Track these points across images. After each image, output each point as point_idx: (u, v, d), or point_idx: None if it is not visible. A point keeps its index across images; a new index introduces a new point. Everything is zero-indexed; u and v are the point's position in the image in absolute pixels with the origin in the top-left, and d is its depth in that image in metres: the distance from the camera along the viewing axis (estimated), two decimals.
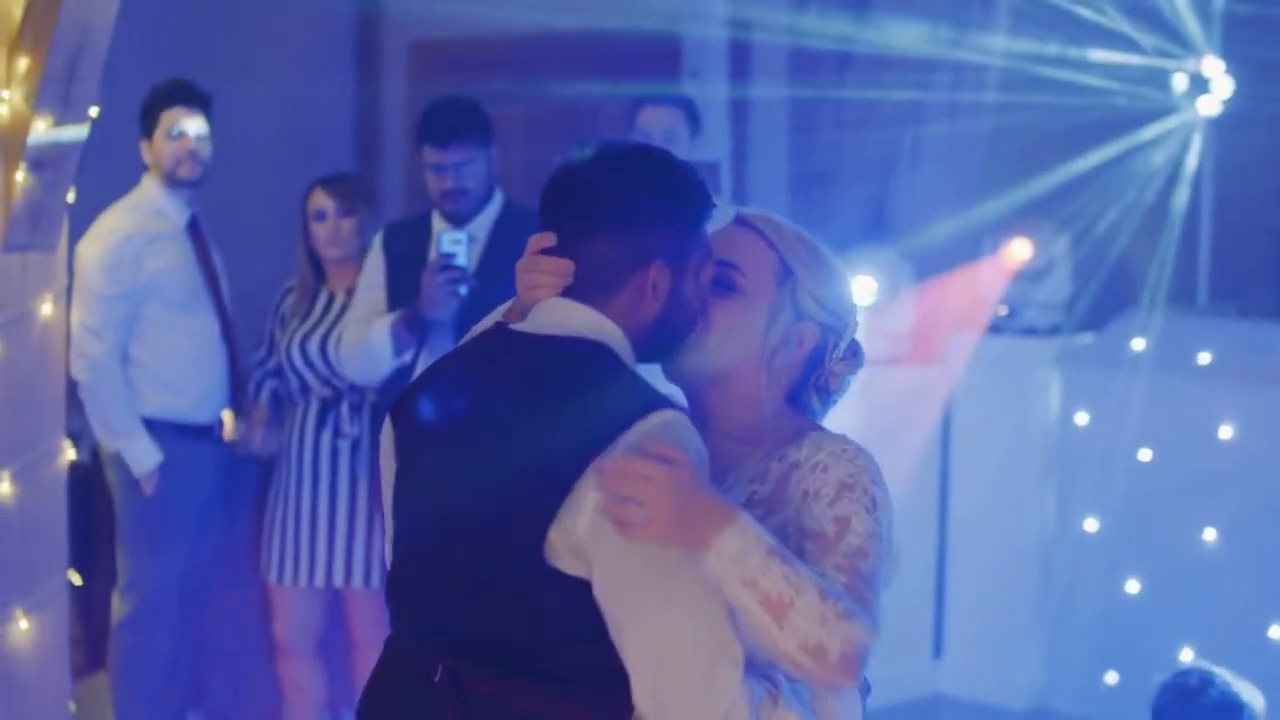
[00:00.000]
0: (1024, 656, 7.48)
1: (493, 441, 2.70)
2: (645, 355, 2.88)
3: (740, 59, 8.21)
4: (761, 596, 2.62)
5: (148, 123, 6.32)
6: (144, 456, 6.19)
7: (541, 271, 2.84)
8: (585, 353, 2.74)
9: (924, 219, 7.69)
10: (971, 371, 7.54)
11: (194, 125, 6.31)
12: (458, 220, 5.84)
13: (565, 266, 2.82)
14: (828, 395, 3.08)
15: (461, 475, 2.72)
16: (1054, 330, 7.54)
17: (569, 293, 2.83)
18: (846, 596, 2.68)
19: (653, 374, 2.89)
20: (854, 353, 3.07)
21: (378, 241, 6.04)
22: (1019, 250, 7.42)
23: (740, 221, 3.02)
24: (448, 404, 2.81)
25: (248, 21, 8.47)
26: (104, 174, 6.42)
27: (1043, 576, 7.41)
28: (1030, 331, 7.53)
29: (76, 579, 5.97)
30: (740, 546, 2.62)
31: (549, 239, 2.85)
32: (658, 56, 8.17)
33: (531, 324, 2.84)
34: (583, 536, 2.59)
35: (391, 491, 2.91)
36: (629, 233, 2.80)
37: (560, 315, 2.81)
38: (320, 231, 6.38)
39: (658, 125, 6.47)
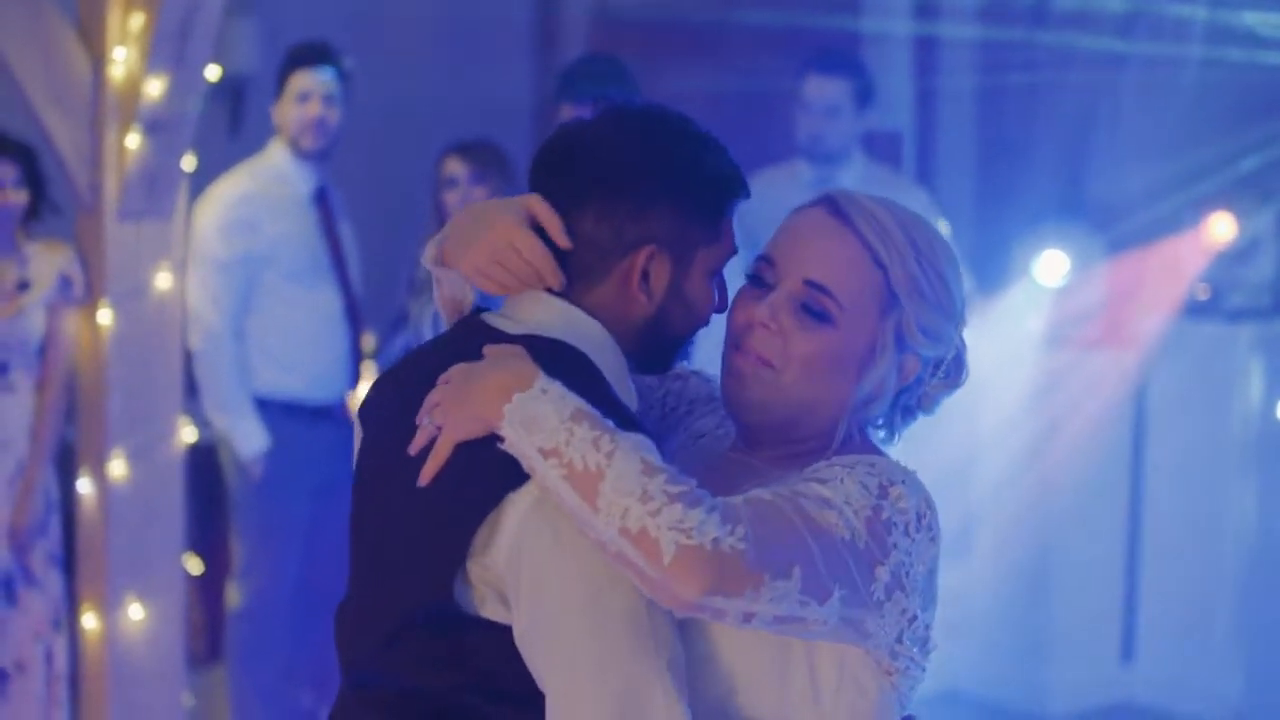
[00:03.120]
0: (1222, 663, 7.09)
1: (420, 459, 2.32)
2: (642, 362, 2.48)
3: (928, 11, 7.78)
4: (567, 469, 2.18)
5: (278, 85, 6.02)
6: (250, 439, 5.92)
7: (513, 249, 2.40)
8: (547, 359, 2.31)
9: (1119, 191, 7.22)
10: (1167, 357, 7.11)
11: (320, 89, 5.99)
12: None
13: (541, 259, 2.39)
14: (913, 414, 2.60)
15: (391, 496, 2.37)
16: (1257, 313, 7.03)
17: None
18: (707, 494, 2.21)
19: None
20: (957, 368, 2.58)
21: None
22: (1220, 226, 6.89)
23: (837, 212, 2.49)
24: (396, 407, 2.42)
25: None
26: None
27: (1242, 578, 7.03)
28: (1231, 314, 7.05)
29: (196, 565, 5.76)
30: (534, 409, 2.21)
31: (542, 208, 2.40)
32: (841, 17, 7.76)
33: (504, 316, 2.45)
34: (502, 570, 2.24)
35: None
36: (619, 207, 2.39)
37: (530, 309, 2.43)
38: (451, 199, 6.08)
39: (819, 97, 6.10)
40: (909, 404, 2.55)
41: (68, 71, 5.05)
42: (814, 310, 2.42)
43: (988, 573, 6.97)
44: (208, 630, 6.50)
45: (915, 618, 2.38)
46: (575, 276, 2.40)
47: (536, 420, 2.20)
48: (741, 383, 2.45)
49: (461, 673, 2.28)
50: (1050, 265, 7.00)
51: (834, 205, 2.47)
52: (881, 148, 6.98)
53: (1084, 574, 7.18)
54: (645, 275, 2.39)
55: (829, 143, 6.17)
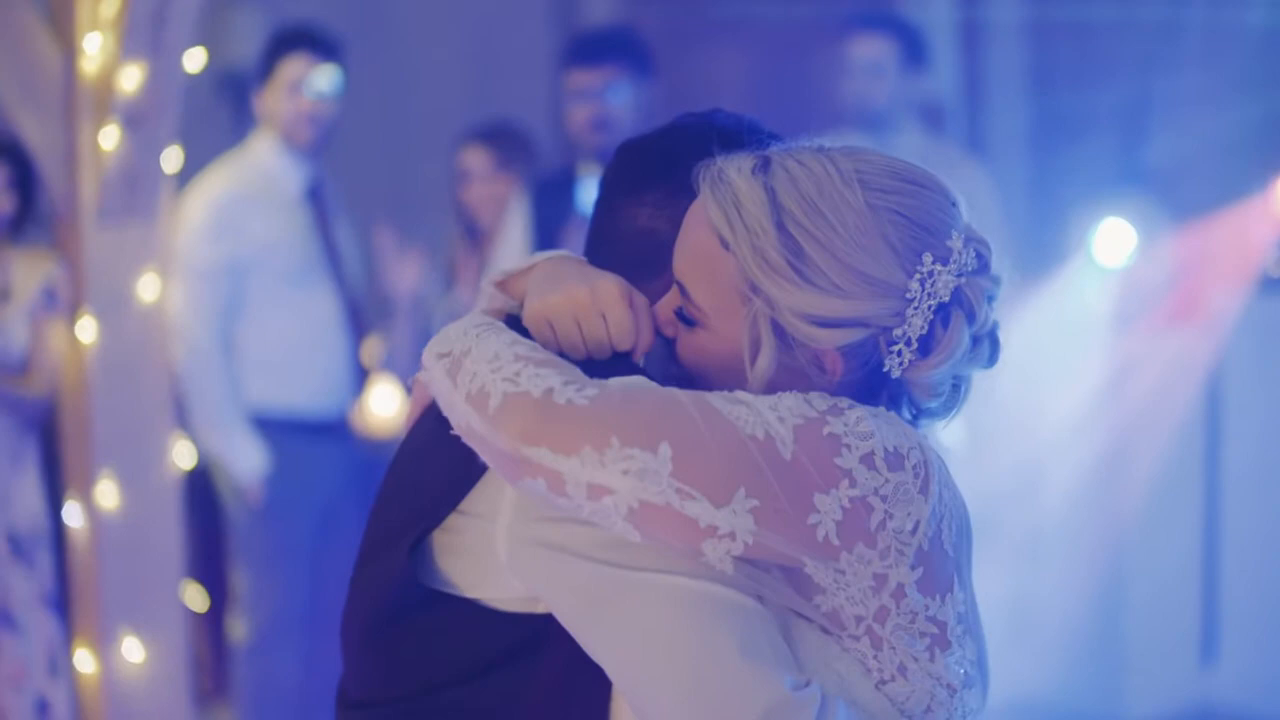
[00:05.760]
0: None
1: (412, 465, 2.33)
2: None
3: None
4: (450, 363, 2.16)
5: (264, 70, 5.58)
6: (247, 459, 5.56)
7: (600, 317, 2.26)
8: None
9: (1182, 154, 6.84)
10: (1239, 337, 6.81)
11: (316, 81, 5.60)
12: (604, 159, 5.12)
13: (622, 337, 2.25)
14: (916, 405, 2.24)
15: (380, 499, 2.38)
16: None
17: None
18: (576, 371, 2.11)
19: None
20: (929, 344, 2.15)
21: (522, 200, 5.34)
22: None
23: (702, 190, 2.23)
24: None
25: None
26: None
27: None
28: None
29: (199, 597, 5.41)
30: (449, 329, 2.22)
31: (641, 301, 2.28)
32: None
33: None
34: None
35: None
36: (681, 201, 2.26)
37: None
38: (474, 193, 5.71)
39: (863, 55, 5.91)
40: (906, 394, 2.21)
41: (37, 64, 4.75)
42: (681, 314, 2.23)
43: (1059, 574, 6.75)
44: (215, 666, 6.15)
45: (903, 593, 2.08)
46: (627, 271, 2.31)
47: (446, 334, 2.20)
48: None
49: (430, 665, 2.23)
50: (1111, 239, 6.65)
51: (703, 182, 2.21)
52: (925, 118, 6.64)
53: (1160, 572, 6.89)
54: None
55: (873, 103, 6.00)
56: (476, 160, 5.83)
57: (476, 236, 5.84)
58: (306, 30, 5.72)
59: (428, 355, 2.19)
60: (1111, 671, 6.85)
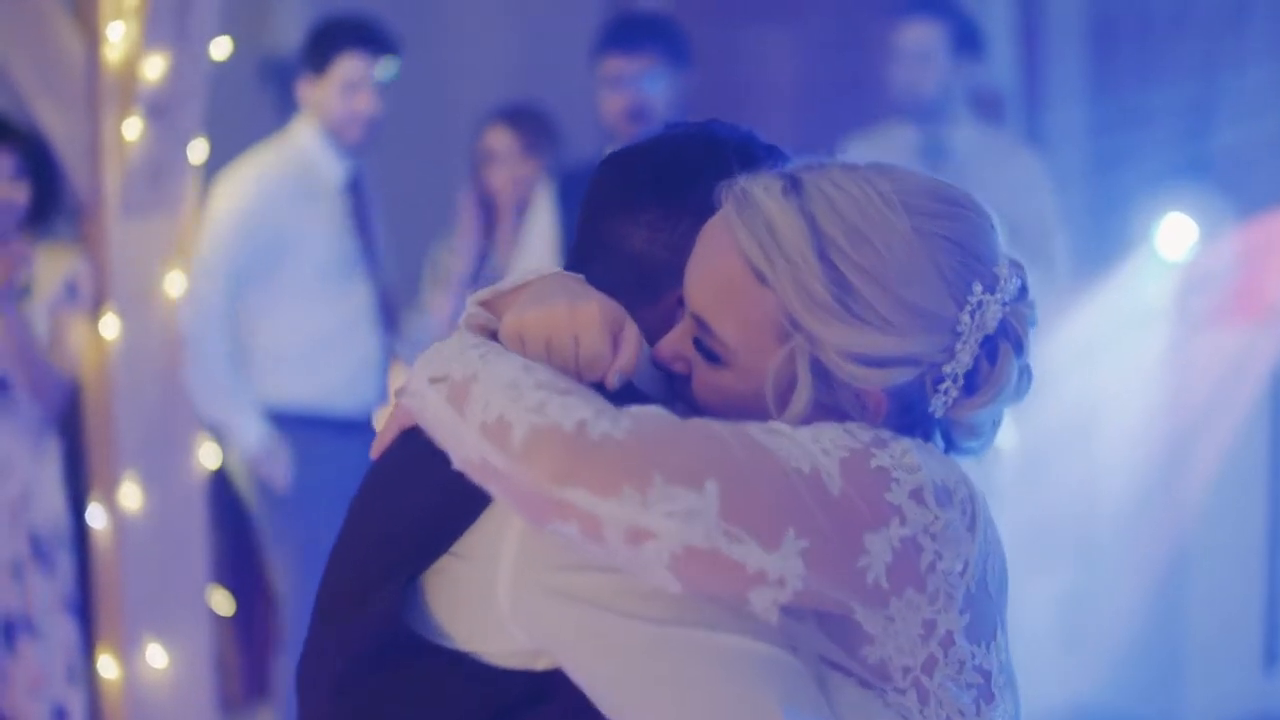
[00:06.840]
0: None
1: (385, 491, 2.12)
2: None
3: None
4: (449, 387, 1.93)
5: (316, 61, 5.32)
6: (250, 432, 5.27)
7: (574, 340, 2.01)
8: None
9: (1249, 143, 6.65)
10: None
11: (374, 80, 5.30)
12: None
13: (591, 368, 2.01)
14: (953, 444, 2.06)
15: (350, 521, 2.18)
16: None
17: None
18: (597, 397, 1.90)
19: None
20: (975, 381, 1.98)
21: (548, 193, 5.20)
22: None
23: (726, 215, 2.01)
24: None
25: None
26: None
27: None
28: None
29: (225, 603, 5.28)
30: (440, 348, 2.02)
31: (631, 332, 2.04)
32: None
33: None
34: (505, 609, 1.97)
35: None
36: (679, 223, 2.09)
37: None
38: (497, 176, 5.55)
39: (910, 42, 5.81)
40: (926, 430, 2.02)
41: (59, 53, 4.68)
42: (704, 349, 2.01)
43: (1117, 576, 6.58)
44: (245, 671, 6.00)
45: (951, 640, 1.90)
46: (615, 297, 2.07)
47: (438, 354, 1.99)
48: None
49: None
50: (1174, 232, 6.50)
51: (727, 205, 2.01)
52: (984, 109, 6.47)
53: (1222, 574, 6.71)
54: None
55: (923, 92, 5.81)
56: (501, 141, 5.69)
57: (491, 218, 5.69)
58: (364, 24, 5.42)
59: (416, 379, 1.98)
60: (1171, 677, 6.68)
